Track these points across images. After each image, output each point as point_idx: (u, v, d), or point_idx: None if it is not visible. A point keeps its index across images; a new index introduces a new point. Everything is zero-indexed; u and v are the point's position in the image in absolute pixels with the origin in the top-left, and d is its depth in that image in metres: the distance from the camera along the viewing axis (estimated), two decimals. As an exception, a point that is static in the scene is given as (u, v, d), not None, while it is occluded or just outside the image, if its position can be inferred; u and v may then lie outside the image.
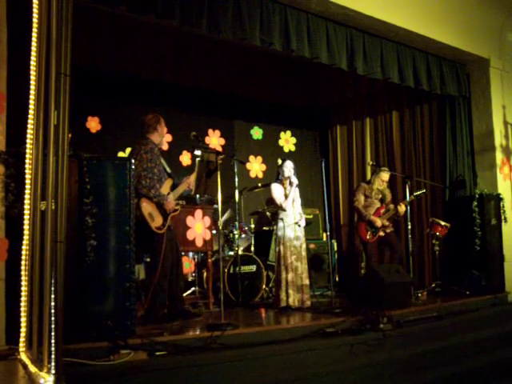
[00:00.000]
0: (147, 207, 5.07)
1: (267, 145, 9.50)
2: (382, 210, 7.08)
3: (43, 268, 2.97)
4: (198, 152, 5.88)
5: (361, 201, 7.19)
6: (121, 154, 7.55)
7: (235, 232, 7.18)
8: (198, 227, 6.30)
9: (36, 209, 3.39)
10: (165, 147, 5.50)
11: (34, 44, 3.48)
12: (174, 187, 5.43)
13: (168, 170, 5.46)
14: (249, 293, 6.77)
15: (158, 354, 3.86)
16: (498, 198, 7.79)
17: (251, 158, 9.20)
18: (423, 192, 7.18)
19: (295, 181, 6.27)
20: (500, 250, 7.71)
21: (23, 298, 3.53)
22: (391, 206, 7.08)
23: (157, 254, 5.10)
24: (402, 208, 7.00)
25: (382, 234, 7.04)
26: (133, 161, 4.34)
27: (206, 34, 6.51)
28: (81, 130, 7.22)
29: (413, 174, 8.35)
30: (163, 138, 5.51)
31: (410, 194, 6.98)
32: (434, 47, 7.54)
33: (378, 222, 6.99)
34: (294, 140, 9.86)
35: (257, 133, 9.42)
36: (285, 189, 6.27)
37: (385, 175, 7.26)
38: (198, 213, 6.35)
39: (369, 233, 7.03)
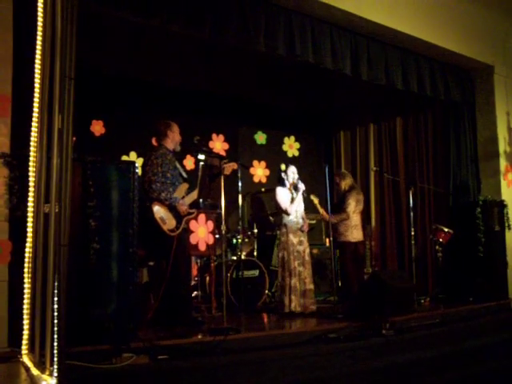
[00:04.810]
0: (159, 210, 5.08)
1: (271, 150, 9.51)
2: None
3: (46, 270, 2.98)
4: (201, 156, 5.89)
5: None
6: (125, 158, 7.57)
7: (238, 237, 7.18)
8: (201, 231, 6.30)
9: (39, 211, 3.40)
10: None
11: (38, 47, 3.49)
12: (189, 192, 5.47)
13: (184, 174, 5.49)
14: (251, 297, 6.76)
15: (160, 357, 3.85)
16: (502, 205, 7.76)
17: (255, 162, 9.21)
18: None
19: (302, 186, 6.28)
20: (503, 256, 7.67)
21: (26, 301, 3.54)
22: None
23: (170, 256, 5.10)
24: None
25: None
26: (137, 165, 4.34)
27: (210, 39, 6.51)
28: (85, 134, 7.25)
29: (416, 180, 8.33)
30: (177, 143, 5.49)
31: (408, 200, 6.95)
32: (438, 53, 7.54)
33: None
34: (297, 145, 9.87)
35: (261, 138, 9.43)
36: (291, 194, 6.28)
37: None
38: (202, 217, 6.35)
39: None
